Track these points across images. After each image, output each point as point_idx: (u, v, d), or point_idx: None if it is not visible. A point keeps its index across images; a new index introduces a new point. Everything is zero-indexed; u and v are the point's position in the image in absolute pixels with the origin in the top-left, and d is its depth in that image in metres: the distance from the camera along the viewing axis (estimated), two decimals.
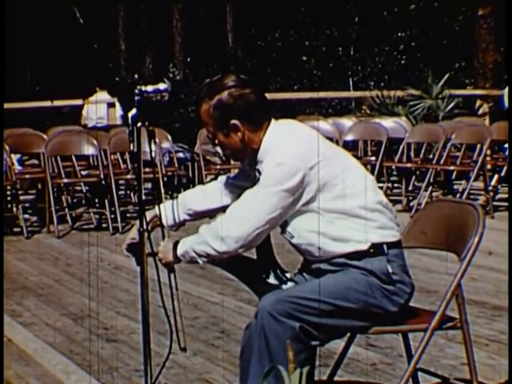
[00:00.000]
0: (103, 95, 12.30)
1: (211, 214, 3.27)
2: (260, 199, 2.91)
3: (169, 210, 3.19)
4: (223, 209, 3.17)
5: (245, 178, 3.17)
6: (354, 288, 2.94)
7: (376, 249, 2.96)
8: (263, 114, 3.03)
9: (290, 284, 3.07)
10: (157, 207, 3.17)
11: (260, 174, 3.00)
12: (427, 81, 11.68)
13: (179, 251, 2.99)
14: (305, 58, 18.88)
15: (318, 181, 2.91)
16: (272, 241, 3.11)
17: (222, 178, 3.30)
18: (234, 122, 2.98)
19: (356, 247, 2.95)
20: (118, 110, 11.90)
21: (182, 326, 3.00)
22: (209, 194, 3.26)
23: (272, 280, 3.06)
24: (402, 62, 18.35)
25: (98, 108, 12.31)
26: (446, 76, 11.87)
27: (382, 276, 2.96)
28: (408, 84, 12.03)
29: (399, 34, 18.78)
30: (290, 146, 2.94)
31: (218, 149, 3.14)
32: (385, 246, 2.97)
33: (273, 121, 3.04)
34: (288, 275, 3.11)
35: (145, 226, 2.94)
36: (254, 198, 2.92)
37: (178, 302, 2.98)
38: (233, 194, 3.22)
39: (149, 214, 3.17)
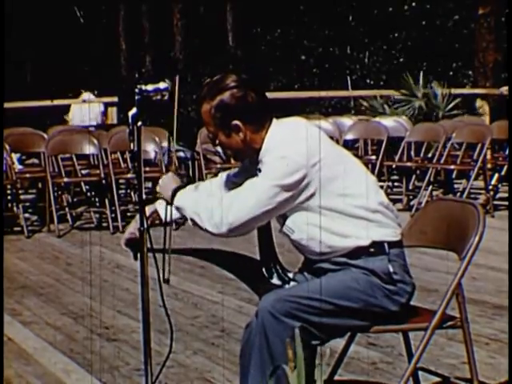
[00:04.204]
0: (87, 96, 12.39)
1: None
2: (258, 191, 2.90)
3: (168, 206, 3.12)
4: None
5: (246, 176, 3.15)
6: (354, 288, 2.93)
7: (377, 247, 2.95)
8: (265, 114, 3.02)
9: (291, 283, 3.07)
10: (156, 202, 3.15)
11: (261, 172, 2.98)
12: (408, 81, 11.70)
13: (175, 202, 3.02)
14: (304, 57, 18.87)
15: (319, 179, 2.89)
16: (274, 240, 3.11)
17: (223, 176, 3.29)
18: (235, 122, 2.96)
19: (357, 243, 2.94)
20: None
21: (169, 259, 2.99)
22: (209, 191, 3.22)
23: (275, 280, 3.06)
24: (400, 60, 18.36)
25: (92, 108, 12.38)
26: (421, 74, 11.88)
27: (383, 275, 2.95)
28: (407, 83, 12.03)
29: (396, 34, 18.79)
30: (292, 142, 2.93)
31: (219, 148, 3.12)
32: (386, 245, 2.96)
33: (274, 120, 3.03)
34: (290, 274, 3.11)
35: (145, 225, 2.93)
36: (253, 189, 2.92)
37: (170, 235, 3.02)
38: None
39: (148, 209, 3.15)
